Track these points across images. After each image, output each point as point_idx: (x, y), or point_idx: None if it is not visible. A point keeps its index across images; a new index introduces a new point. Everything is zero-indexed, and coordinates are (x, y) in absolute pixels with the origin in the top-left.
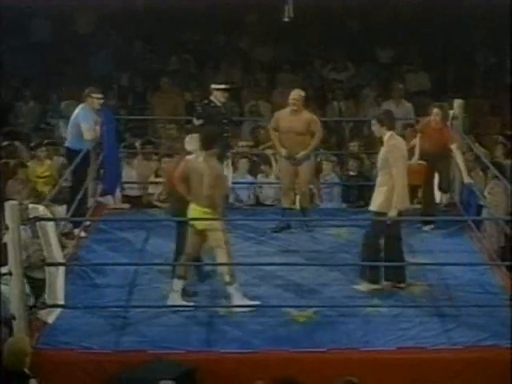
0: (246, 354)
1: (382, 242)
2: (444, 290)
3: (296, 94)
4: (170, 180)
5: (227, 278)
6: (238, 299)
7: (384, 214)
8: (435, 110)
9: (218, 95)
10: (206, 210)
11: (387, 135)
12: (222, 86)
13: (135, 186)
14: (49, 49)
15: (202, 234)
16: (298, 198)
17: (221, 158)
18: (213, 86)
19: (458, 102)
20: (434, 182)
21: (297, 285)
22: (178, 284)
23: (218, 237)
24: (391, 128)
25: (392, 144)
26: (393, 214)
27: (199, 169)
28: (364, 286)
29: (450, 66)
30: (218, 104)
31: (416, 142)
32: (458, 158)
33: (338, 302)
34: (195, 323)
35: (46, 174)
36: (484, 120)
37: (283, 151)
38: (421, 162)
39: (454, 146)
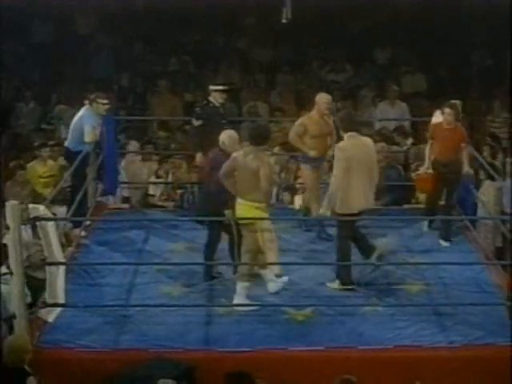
0: (244, 353)
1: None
2: (441, 289)
3: (325, 97)
4: (207, 177)
5: (242, 274)
6: (239, 298)
7: (339, 215)
8: (447, 110)
9: (216, 96)
10: (256, 204)
11: (345, 136)
12: (220, 87)
13: (124, 187)
14: (49, 49)
15: (249, 229)
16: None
17: None
18: (211, 86)
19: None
20: (441, 191)
21: (295, 284)
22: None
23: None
24: (348, 130)
25: (337, 146)
26: (322, 212)
27: (250, 165)
28: (337, 285)
29: (447, 67)
30: (217, 105)
31: (427, 149)
32: (464, 152)
33: (336, 300)
34: (195, 322)
35: (48, 174)
36: (480, 121)
37: (313, 152)
38: (429, 171)
39: (463, 145)
